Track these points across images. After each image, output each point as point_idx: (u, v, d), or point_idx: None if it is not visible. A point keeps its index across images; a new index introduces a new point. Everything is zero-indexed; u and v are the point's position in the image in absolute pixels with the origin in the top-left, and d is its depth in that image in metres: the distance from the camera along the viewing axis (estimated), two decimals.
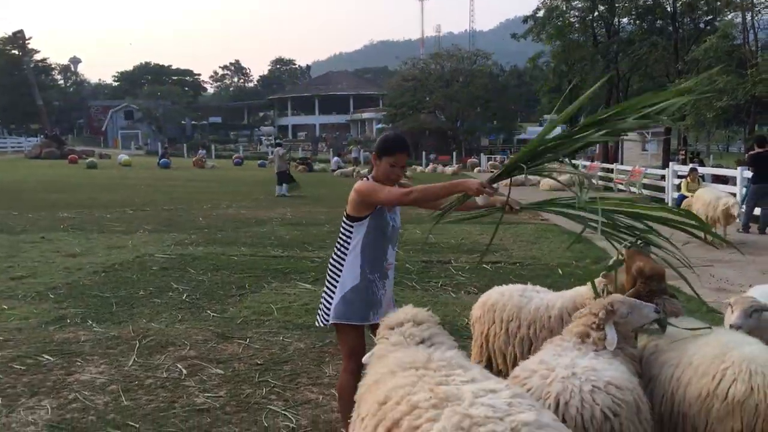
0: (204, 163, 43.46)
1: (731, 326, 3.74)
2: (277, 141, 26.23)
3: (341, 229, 3.83)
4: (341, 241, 3.81)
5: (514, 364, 4.07)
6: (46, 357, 5.53)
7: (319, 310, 3.88)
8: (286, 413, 4.52)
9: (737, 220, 12.70)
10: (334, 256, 3.84)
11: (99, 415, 4.44)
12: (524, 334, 4.21)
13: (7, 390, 4.83)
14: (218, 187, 25.69)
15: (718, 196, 12.10)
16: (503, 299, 4.43)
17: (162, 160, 42.04)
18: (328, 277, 3.85)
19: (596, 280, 4.04)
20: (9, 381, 5.00)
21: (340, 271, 3.77)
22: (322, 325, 3.85)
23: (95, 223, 14.07)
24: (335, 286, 3.77)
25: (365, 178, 3.84)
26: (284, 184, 22.06)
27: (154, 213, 16.24)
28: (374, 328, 3.57)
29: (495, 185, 3.57)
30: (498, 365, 4.36)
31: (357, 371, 3.55)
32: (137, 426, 4.25)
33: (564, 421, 2.57)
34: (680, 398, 3.07)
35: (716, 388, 2.91)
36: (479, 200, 3.58)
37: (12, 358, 5.47)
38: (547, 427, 2.13)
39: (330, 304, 3.77)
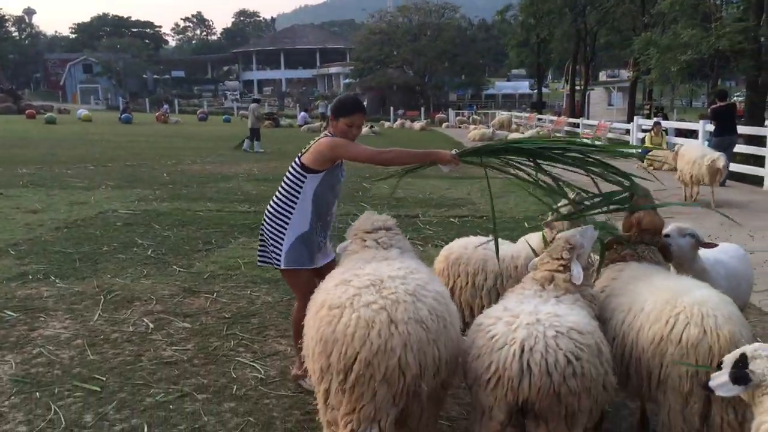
0: (167, 119, 42.57)
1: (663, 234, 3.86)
2: (254, 98, 26.13)
3: (291, 177, 3.95)
4: (290, 188, 3.94)
5: None
6: (9, 313, 5.44)
7: (266, 250, 4.06)
8: (255, 365, 4.55)
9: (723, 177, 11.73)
10: (281, 202, 3.97)
11: (64, 369, 4.40)
12: (491, 285, 4.27)
13: None
14: (182, 143, 25.23)
15: (703, 153, 11.23)
16: (467, 252, 4.47)
17: (123, 115, 41.06)
18: (274, 220, 3.97)
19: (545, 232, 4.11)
20: None
21: (290, 216, 3.93)
22: (275, 267, 4.07)
23: (56, 179, 13.73)
24: (284, 231, 3.94)
25: (327, 135, 3.95)
26: (257, 141, 22.15)
27: (116, 169, 15.91)
28: (315, 271, 4.03)
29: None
30: (465, 317, 4.41)
31: None
32: (104, 379, 4.24)
33: (529, 366, 2.63)
34: (632, 343, 3.15)
35: (670, 332, 2.98)
36: (444, 168, 3.92)
37: None
38: (396, 279, 2.88)
39: (281, 248, 3.95)
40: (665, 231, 3.86)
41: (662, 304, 3.08)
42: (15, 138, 25.31)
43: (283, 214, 3.94)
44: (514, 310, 2.90)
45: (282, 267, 3.99)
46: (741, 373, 2.36)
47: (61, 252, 7.49)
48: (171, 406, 3.91)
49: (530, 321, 2.75)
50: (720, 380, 2.44)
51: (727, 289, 4.15)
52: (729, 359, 2.51)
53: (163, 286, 6.29)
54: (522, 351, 2.65)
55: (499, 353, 2.69)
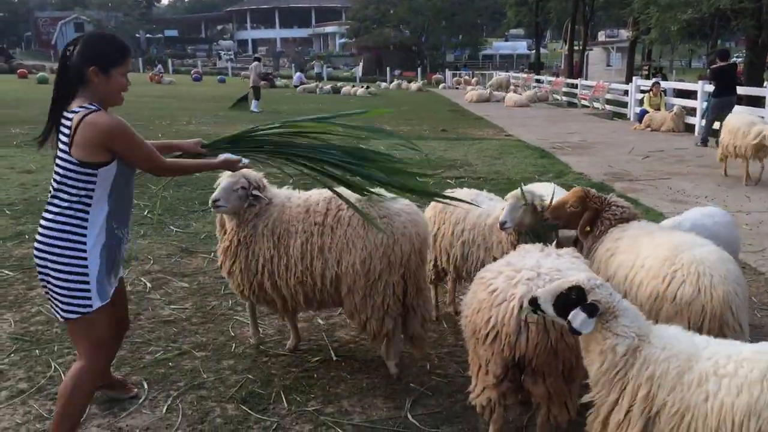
0: (161, 79, 42.07)
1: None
2: (256, 56, 25.98)
3: (72, 180, 2.78)
4: (76, 195, 2.78)
5: (455, 265, 4.30)
6: (6, 272, 5.45)
7: (59, 299, 2.79)
8: None
9: None
10: (68, 219, 2.77)
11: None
12: (467, 237, 4.30)
13: None
14: (177, 104, 24.97)
15: (751, 121, 9.56)
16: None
17: None
18: (58, 249, 2.75)
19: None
20: None
21: (85, 235, 2.79)
22: (74, 317, 2.81)
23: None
24: (83, 259, 2.77)
25: (93, 109, 2.78)
26: (255, 100, 22.19)
27: None
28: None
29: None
30: (441, 263, 4.53)
31: (106, 365, 3.20)
32: None
33: (526, 323, 2.64)
34: (632, 299, 3.17)
35: (666, 289, 3.01)
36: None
37: None
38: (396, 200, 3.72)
39: (88, 283, 2.79)
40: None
41: (662, 260, 3.09)
42: (7, 98, 24.98)
43: (75, 234, 2.76)
44: (517, 264, 2.89)
45: (94, 309, 2.81)
46: (589, 305, 2.40)
47: None
48: (170, 364, 3.95)
49: (530, 276, 2.74)
50: (579, 319, 2.45)
51: None
52: (547, 299, 2.47)
53: (160, 246, 6.29)
54: (521, 307, 2.65)
55: (498, 308, 2.70)
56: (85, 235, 2.78)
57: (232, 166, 3.35)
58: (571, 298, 2.41)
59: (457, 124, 18.74)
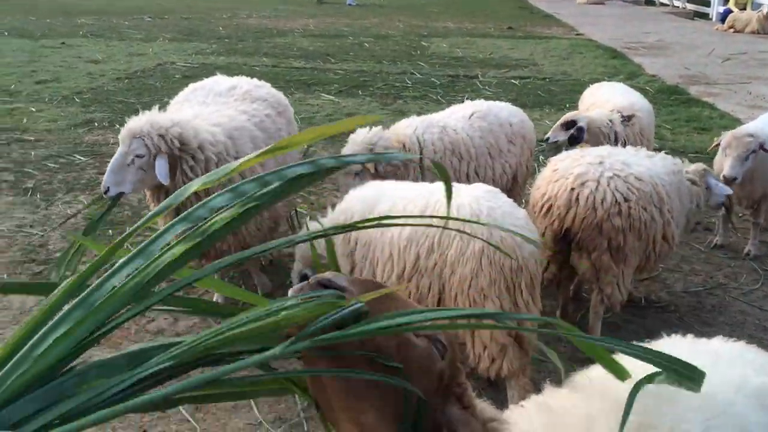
0: None
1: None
2: None
3: None
4: None
5: None
6: (78, 156, 5.66)
7: None
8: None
9: None
10: None
11: (134, 211, 4.62)
12: None
13: (43, 186, 5.02)
14: None
15: None
16: None
17: None
18: None
19: None
20: (44, 178, 5.18)
21: None
22: None
23: (114, 30, 13.72)
24: None
25: None
26: None
27: (173, 21, 15.72)
28: None
29: None
30: None
31: None
32: None
33: (577, 200, 2.78)
34: None
35: None
36: None
37: (45, 157, 5.61)
38: None
39: None
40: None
41: None
42: None
43: None
44: (589, 151, 3.02)
45: None
46: None
47: (123, 101, 7.63)
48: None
49: (592, 161, 2.86)
50: None
51: None
52: None
53: None
54: (574, 185, 2.82)
55: (555, 185, 2.87)
56: None
57: None
58: None
59: (524, 21, 17.90)
